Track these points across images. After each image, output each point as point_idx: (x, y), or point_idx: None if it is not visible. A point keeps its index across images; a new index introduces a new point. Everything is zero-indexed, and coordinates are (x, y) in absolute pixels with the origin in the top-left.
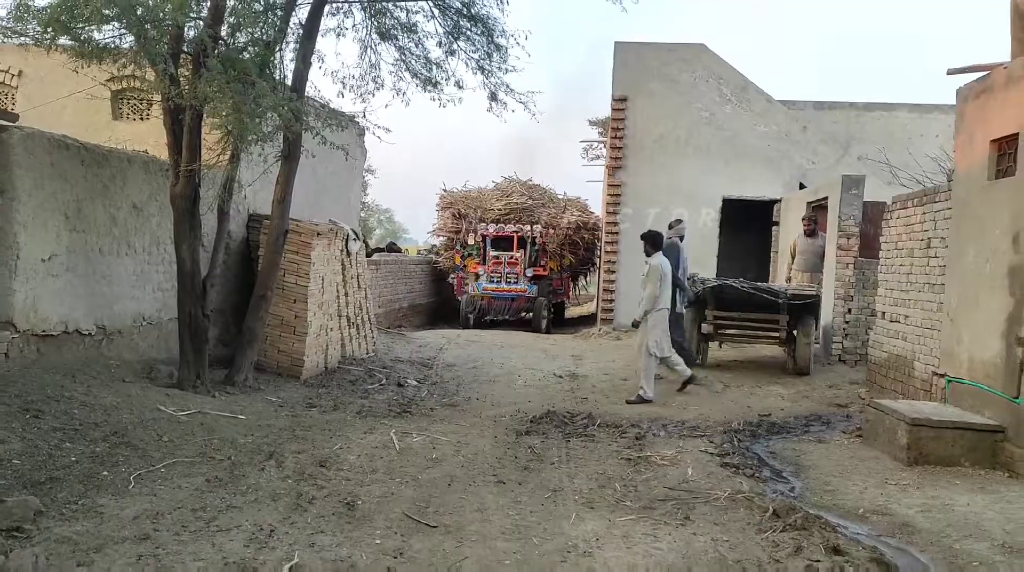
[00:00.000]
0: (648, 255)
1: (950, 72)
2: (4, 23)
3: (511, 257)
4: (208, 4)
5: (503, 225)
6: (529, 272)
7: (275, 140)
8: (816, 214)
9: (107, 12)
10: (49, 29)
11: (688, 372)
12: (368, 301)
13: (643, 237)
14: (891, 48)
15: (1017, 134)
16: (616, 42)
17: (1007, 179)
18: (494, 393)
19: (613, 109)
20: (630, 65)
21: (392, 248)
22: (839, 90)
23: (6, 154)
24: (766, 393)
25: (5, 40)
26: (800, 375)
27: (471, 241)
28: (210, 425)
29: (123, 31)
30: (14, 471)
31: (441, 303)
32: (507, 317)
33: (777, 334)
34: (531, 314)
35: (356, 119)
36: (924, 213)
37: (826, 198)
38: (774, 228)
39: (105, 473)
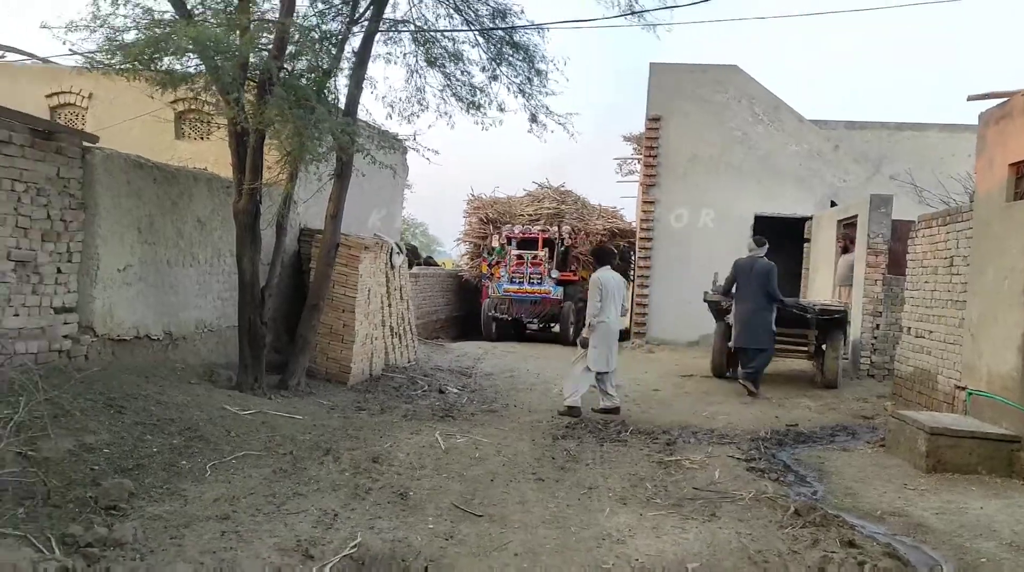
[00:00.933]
0: (593, 270)
1: (970, 98)
2: (93, 55)
3: (534, 256)
4: (273, 35)
5: (529, 226)
6: (554, 273)
7: (329, 159)
8: (848, 231)
9: (188, 47)
10: (136, 63)
11: (614, 404)
12: (410, 312)
13: (591, 253)
14: (927, 67)
15: None
16: (651, 63)
17: (1023, 202)
18: (531, 400)
19: (647, 128)
20: (664, 86)
21: (429, 261)
22: (872, 110)
23: (90, 173)
24: (794, 405)
25: (93, 69)
26: (828, 388)
27: (495, 244)
28: (271, 423)
29: (198, 63)
30: (105, 458)
31: (467, 316)
32: (531, 322)
33: (806, 348)
34: (558, 324)
35: (400, 138)
36: (947, 232)
37: (855, 216)
38: (805, 245)
39: (184, 462)
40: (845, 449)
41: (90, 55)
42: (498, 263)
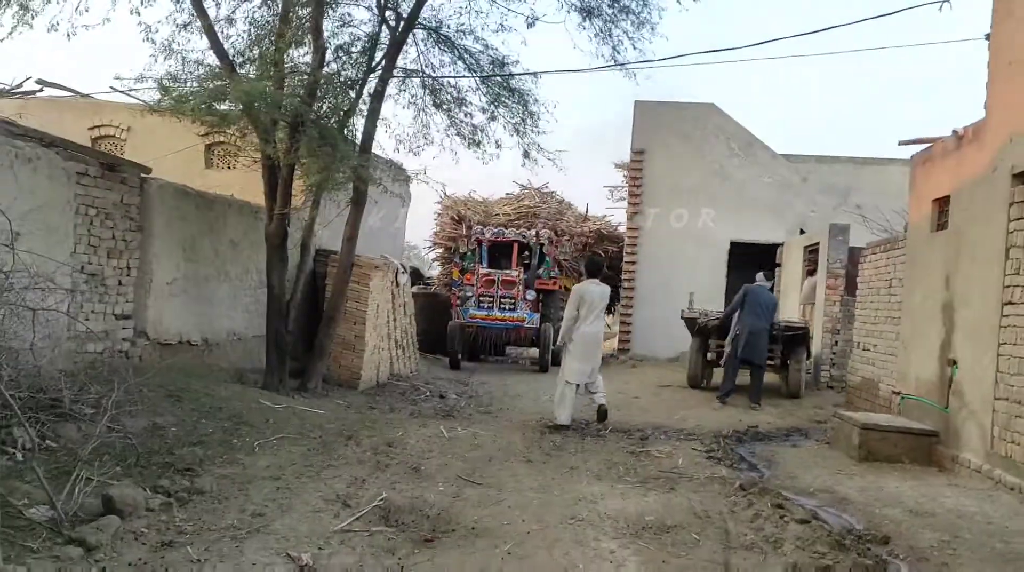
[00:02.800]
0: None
1: (901, 143)
2: (162, 103)
3: (506, 276)
4: (305, 82)
5: (502, 229)
6: (530, 295)
7: (346, 189)
8: (813, 256)
9: (242, 99)
10: (199, 109)
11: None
12: (412, 326)
13: (585, 265)
14: (898, 102)
15: (950, 196)
16: (636, 101)
17: (942, 232)
18: (522, 405)
19: (632, 160)
20: (648, 121)
21: (430, 282)
22: (845, 145)
23: (147, 200)
24: (758, 411)
25: (163, 111)
26: (792, 398)
27: (463, 247)
28: (299, 415)
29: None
30: (173, 435)
31: (435, 331)
32: (499, 353)
33: (773, 362)
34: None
35: (404, 169)
36: (888, 258)
37: (818, 243)
38: (777, 269)
39: (235, 441)
40: (795, 445)
41: (152, 102)
42: (469, 271)
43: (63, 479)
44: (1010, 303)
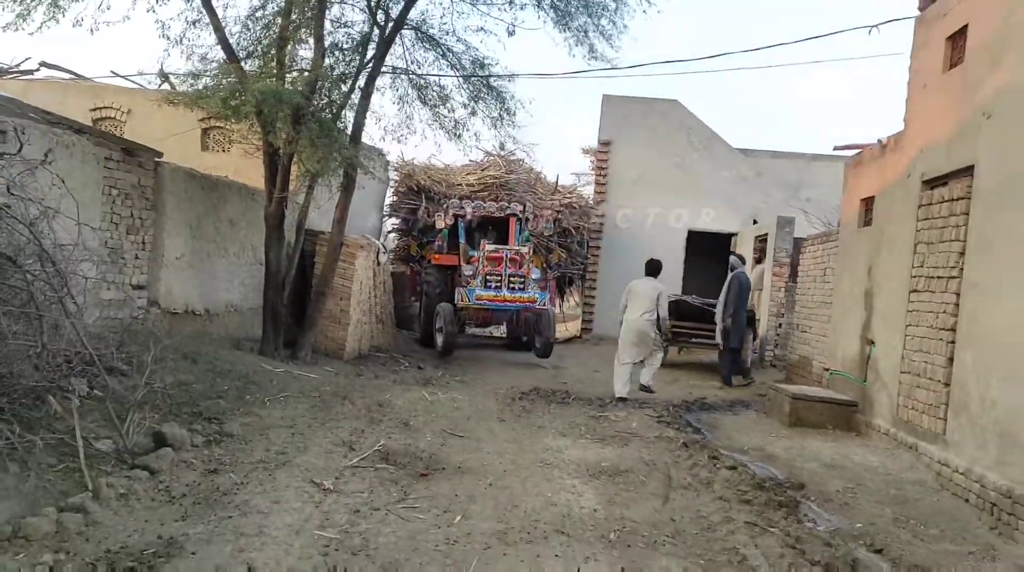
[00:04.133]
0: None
1: (835, 149)
2: (177, 98)
3: (515, 253)
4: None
5: (480, 202)
6: (536, 272)
7: (337, 174)
8: (762, 245)
9: (256, 95)
10: (222, 104)
11: (645, 382)
12: (390, 303)
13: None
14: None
15: (873, 196)
16: (604, 95)
17: (867, 228)
18: (496, 376)
19: (598, 151)
20: (615, 114)
21: None
22: (797, 142)
23: (160, 182)
24: (708, 386)
25: (186, 102)
26: (740, 375)
27: (440, 224)
28: (297, 378)
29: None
30: (195, 390)
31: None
32: (501, 334)
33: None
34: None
35: (384, 155)
36: (824, 249)
37: (767, 234)
38: (732, 257)
39: (248, 397)
40: (736, 415)
41: (165, 92)
42: (430, 245)
43: (114, 422)
44: (915, 291)
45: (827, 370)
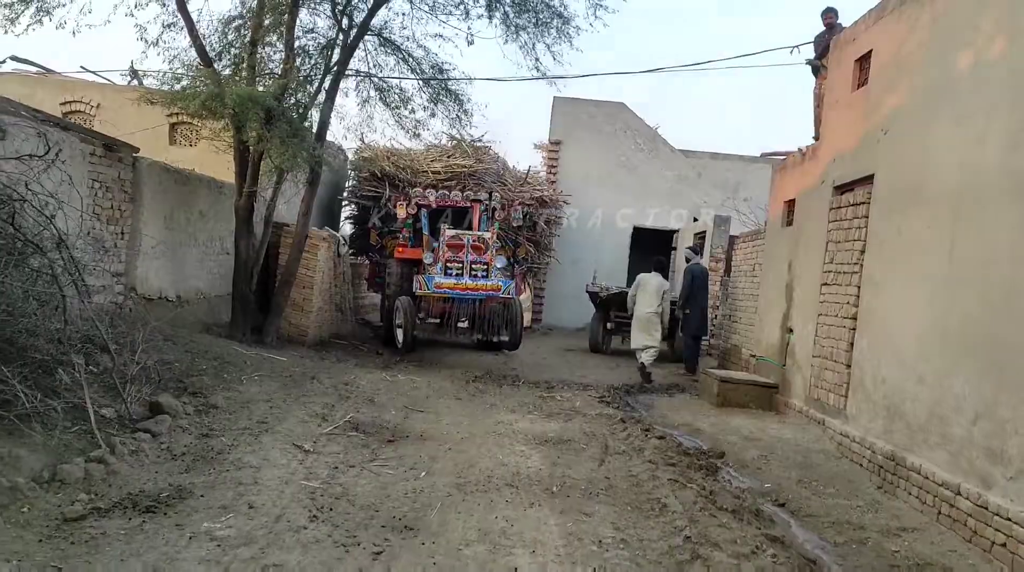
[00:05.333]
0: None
1: (763, 155)
2: (164, 98)
3: (477, 238)
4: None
5: (445, 191)
6: (500, 261)
7: (303, 170)
8: (701, 242)
9: (234, 100)
10: (203, 107)
11: (641, 361)
12: (350, 293)
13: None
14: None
15: (795, 199)
16: (555, 96)
17: (789, 227)
18: (450, 361)
19: (549, 150)
20: (564, 115)
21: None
22: (741, 142)
23: (138, 176)
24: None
25: (164, 103)
26: (677, 362)
27: (402, 213)
28: (268, 360)
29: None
30: (178, 368)
31: None
32: (462, 323)
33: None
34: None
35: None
36: (753, 246)
37: (704, 231)
38: (673, 252)
39: (225, 375)
40: (671, 396)
41: (142, 90)
42: (392, 234)
43: (112, 393)
44: (826, 284)
45: (753, 356)
